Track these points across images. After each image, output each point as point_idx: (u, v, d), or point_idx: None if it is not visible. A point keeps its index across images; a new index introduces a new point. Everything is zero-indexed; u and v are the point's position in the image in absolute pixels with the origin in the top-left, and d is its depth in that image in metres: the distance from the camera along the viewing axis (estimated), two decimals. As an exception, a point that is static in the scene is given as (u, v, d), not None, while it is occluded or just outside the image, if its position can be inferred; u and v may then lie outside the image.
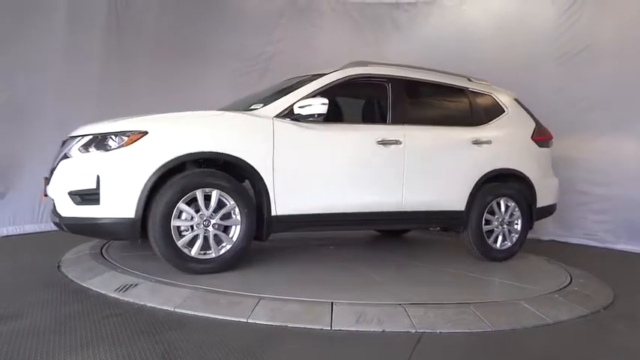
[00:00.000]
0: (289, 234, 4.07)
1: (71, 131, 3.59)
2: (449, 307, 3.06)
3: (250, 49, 6.96)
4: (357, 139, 3.93)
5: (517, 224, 4.53)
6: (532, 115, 4.85)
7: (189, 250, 3.34)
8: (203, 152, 3.39)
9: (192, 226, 3.35)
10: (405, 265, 4.24)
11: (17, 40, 5.24)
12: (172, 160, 3.27)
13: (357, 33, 7.37)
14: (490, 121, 4.57)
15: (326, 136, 3.78)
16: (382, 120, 4.21)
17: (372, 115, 4.51)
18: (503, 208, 4.45)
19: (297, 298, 3.00)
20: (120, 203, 3.22)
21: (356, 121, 4.41)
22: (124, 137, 3.25)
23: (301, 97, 3.70)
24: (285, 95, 3.77)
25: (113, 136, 3.27)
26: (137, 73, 6.11)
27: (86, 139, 3.33)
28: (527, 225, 4.58)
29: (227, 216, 3.45)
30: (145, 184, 3.21)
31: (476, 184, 4.31)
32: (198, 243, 3.35)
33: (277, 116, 3.62)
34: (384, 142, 3.93)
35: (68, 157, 3.35)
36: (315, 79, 3.91)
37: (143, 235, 3.32)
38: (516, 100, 4.86)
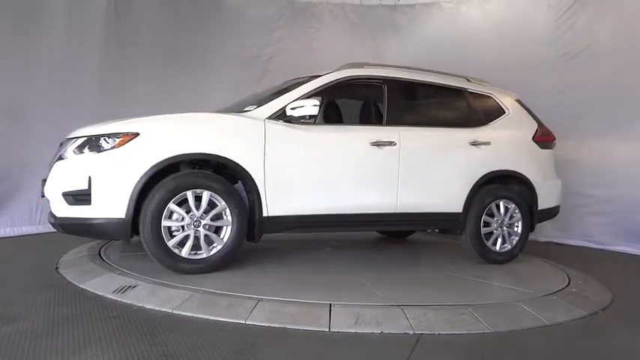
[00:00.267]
0: (288, 235, 4.07)
1: (69, 133, 3.60)
2: (447, 308, 3.06)
3: (250, 51, 6.98)
4: (350, 140, 3.91)
5: (517, 226, 4.46)
6: (535, 117, 4.81)
7: (180, 251, 3.35)
8: (193, 154, 3.40)
9: (182, 227, 3.36)
10: (404, 266, 4.23)
11: (17, 40, 5.24)
12: (162, 161, 3.29)
13: (356, 35, 7.38)
14: (490, 122, 4.53)
15: (318, 138, 3.78)
16: (378, 121, 4.21)
17: (368, 116, 4.50)
18: (502, 210, 4.39)
19: (296, 300, 3.00)
20: (110, 204, 3.24)
21: (351, 123, 4.40)
22: (115, 139, 3.28)
23: (294, 98, 3.70)
24: (279, 97, 3.77)
25: (106, 138, 3.29)
26: (137, 75, 6.13)
27: (81, 140, 3.36)
28: (528, 227, 4.51)
29: (218, 217, 3.45)
30: (136, 185, 3.23)
31: (474, 186, 4.27)
32: (189, 243, 3.37)
33: (270, 118, 3.62)
34: (378, 144, 3.90)
35: (63, 159, 3.39)
36: (310, 81, 3.91)
37: (136, 235, 3.34)
38: (518, 101, 4.83)
